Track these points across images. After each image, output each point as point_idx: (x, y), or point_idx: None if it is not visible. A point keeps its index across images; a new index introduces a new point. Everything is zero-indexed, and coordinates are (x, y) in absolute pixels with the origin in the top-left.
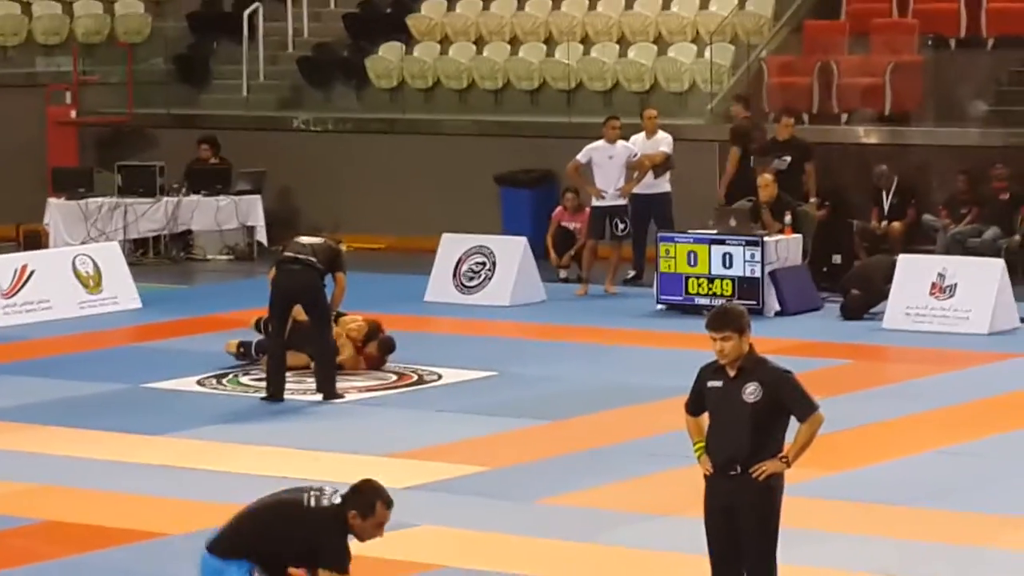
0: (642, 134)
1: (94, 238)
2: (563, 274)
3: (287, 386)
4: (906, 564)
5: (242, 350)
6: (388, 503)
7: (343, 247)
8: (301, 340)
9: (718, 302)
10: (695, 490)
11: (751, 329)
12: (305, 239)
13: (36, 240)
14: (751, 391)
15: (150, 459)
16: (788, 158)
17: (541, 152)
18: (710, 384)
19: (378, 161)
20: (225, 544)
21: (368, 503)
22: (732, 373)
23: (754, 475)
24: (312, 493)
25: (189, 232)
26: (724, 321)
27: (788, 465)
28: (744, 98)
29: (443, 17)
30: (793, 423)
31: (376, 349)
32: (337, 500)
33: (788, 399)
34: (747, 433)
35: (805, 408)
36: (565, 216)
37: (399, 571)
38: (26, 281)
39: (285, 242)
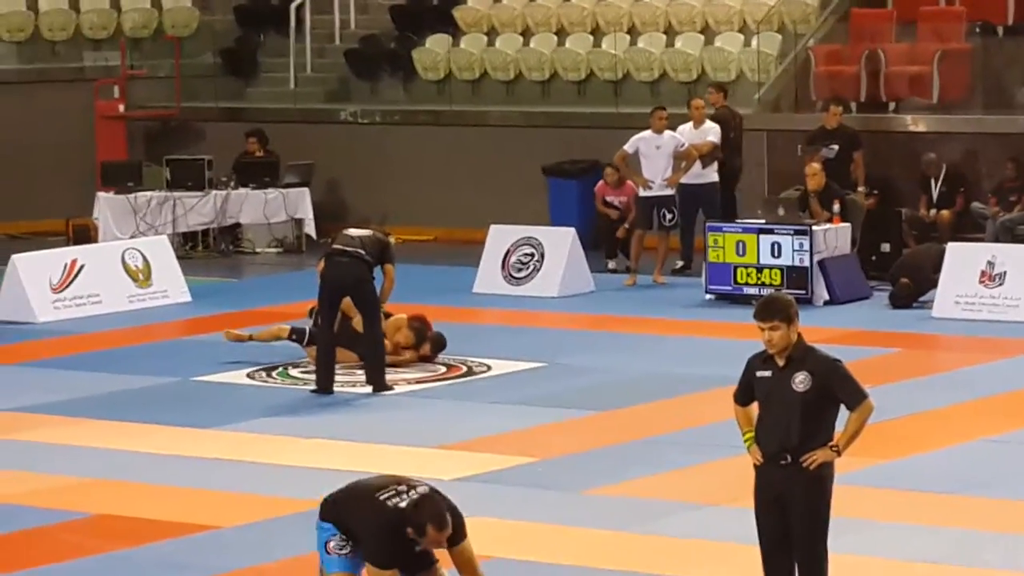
0: (689, 124)
1: (143, 232)
2: (612, 264)
3: (336, 378)
4: (957, 553)
5: (294, 337)
6: (440, 526)
7: (391, 239)
8: (350, 339)
9: (767, 291)
10: (744, 480)
11: (799, 318)
12: (354, 231)
13: (85, 234)
14: (801, 380)
15: (200, 452)
16: (836, 146)
17: (588, 143)
18: (759, 374)
19: (425, 153)
20: (323, 506)
21: (420, 524)
22: (781, 363)
23: (805, 464)
24: (395, 489)
25: (238, 225)
26: (772, 311)
27: (839, 454)
28: (721, 85)
29: (490, 9)
30: (843, 412)
31: (430, 349)
32: (404, 504)
33: (838, 388)
34: (797, 422)
35: (855, 397)
36: (607, 191)
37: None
38: (76, 275)
39: (334, 234)
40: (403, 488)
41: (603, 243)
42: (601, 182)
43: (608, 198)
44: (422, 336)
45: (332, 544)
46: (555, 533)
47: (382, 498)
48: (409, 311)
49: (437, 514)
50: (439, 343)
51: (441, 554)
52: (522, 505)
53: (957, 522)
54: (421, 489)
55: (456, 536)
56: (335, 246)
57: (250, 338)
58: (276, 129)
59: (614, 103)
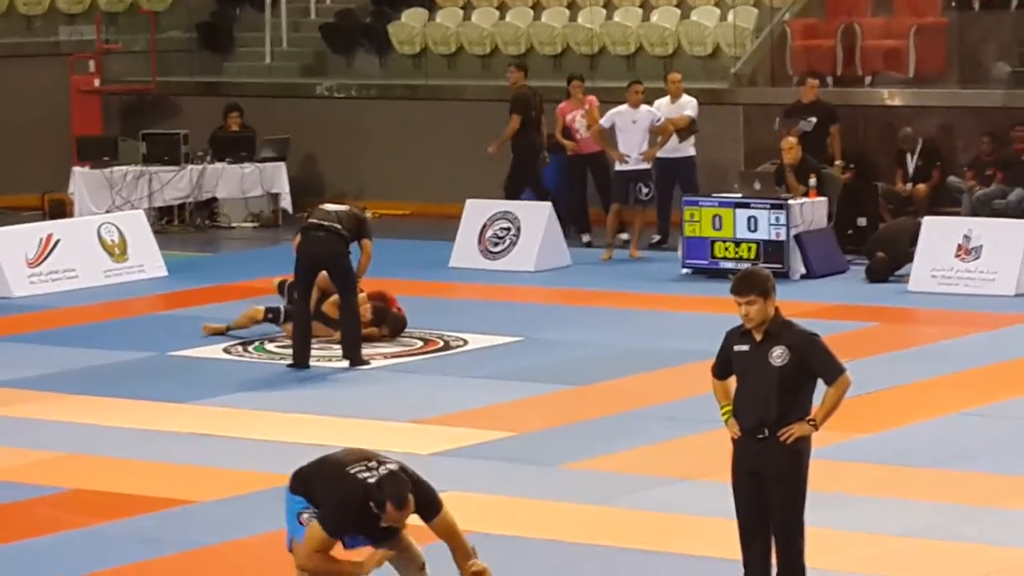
0: (666, 98)
1: (119, 206)
2: (586, 239)
3: (313, 353)
4: (933, 526)
5: (270, 316)
6: (399, 505)
7: (368, 214)
8: (326, 314)
9: (743, 266)
10: (722, 454)
11: (776, 292)
12: (330, 206)
13: (61, 209)
14: (778, 355)
15: (177, 427)
16: (814, 119)
17: None
18: (737, 348)
19: (402, 127)
20: (294, 477)
21: (381, 501)
22: (758, 337)
23: (782, 438)
24: (365, 464)
25: (214, 200)
26: (749, 285)
27: (816, 428)
28: (520, 64)
29: None
30: (820, 386)
31: (388, 331)
32: (372, 480)
33: (815, 362)
34: (774, 396)
35: (832, 371)
36: (569, 107)
37: (425, 536)
38: (52, 250)
39: (310, 209)
40: (373, 464)
41: (575, 218)
42: (565, 102)
43: (568, 116)
44: (383, 313)
45: (305, 516)
46: (532, 507)
47: (351, 471)
48: (385, 286)
49: (398, 494)
50: (398, 324)
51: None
52: (499, 479)
53: (934, 496)
54: (390, 466)
55: (430, 511)
56: (311, 220)
57: (228, 329)
58: (252, 103)
59: (591, 77)
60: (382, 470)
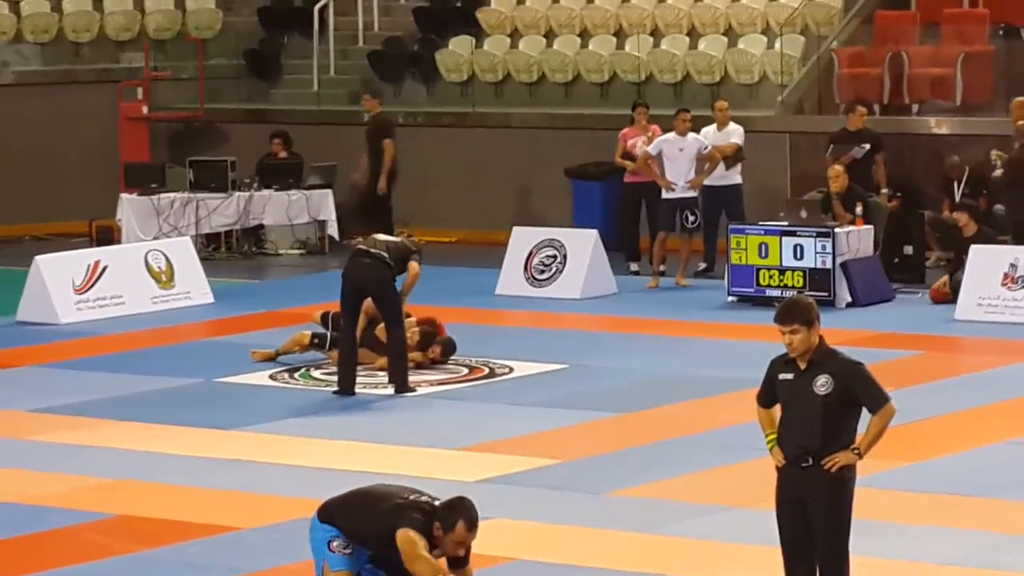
0: (713, 126)
1: (166, 233)
2: (634, 267)
3: (359, 380)
4: (979, 555)
5: (316, 341)
6: (470, 524)
7: (417, 248)
8: (373, 340)
9: (789, 294)
10: (767, 482)
11: (820, 321)
12: (382, 236)
13: (108, 236)
14: (822, 383)
15: (223, 453)
16: (867, 146)
17: (611, 145)
18: (781, 376)
19: (448, 154)
20: (325, 509)
21: (451, 520)
22: (803, 366)
23: (826, 467)
24: (417, 494)
25: (261, 227)
26: (792, 314)
27: (860, 457)
28: (375, 90)
29: (513, 10)
30: (865, 415)
31: (440, 352)
32: (435, 504)
33: (859, 391)
34: (819, 425)
35: (877, 400)
36: (631, 134)
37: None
38: (99, 277)
39: (363, 236)
40: (425, 497)
41: (625, 245)
42: (628, 128)
43: (630, 142)
44: (430, 338)
45: (336, 543)
46: (578, 535)
47: (409, 498)
48: (432, 313)
49: (470, 514)
50: (449, 347)
51: None
52: (545, 507)
53: (981, 525)
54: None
55: (465, 557)
56: (359, 247)
57: (276, 355)
58: (299, 130)
59: None
60: (439, 500)
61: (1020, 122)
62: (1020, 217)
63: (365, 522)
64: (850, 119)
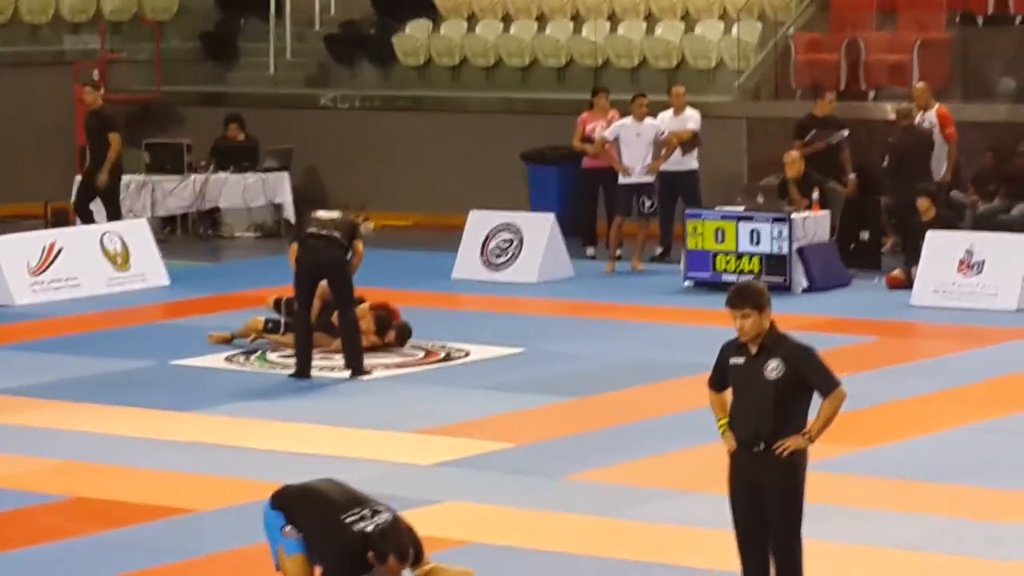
0: (670, 111)
1: (122, 216)
2: (591, 252)
3: (315, 363)
4: (933, 540)
5: (270, 326)
6: (402, 558)
7: (370, 224)
8: (327, 324)
9: (746, 279)
10: (720, 466)
11: (771, 306)
12: (323, 213)
13: (64, 218)
14: (773, 367)
15: (178, 436)
16: (846, 132)
17: (568, 129)
18: (732, 361)
19: (405, 138)
20: (277, 497)
21: (383, 551)
22: (754, 350)
23: (777, 452)
24: (359, 513)
25: (217, 209)
26: (743, 298)
27: (811, 441)
28: (96, 83)
29: None
30: (816, 400)
31: (394, 338)
32: (370, 529)
33: (810, 375)
34: (769, 409)
35: (827, 384)
36: (590, 119)
37: (426, 547)
38: (54, 259)
39: (304, 219)
40: (367, 512)
41: (582, 230)
42: (587, 112)
43: (589, 127)
44: (385, 323)
45: (289, 529)
46: (534, 519)
47: (347, 521)
48: (388, 296)
49: (401, 545)
50: (404, 332)
51: None
52: (501, 490)
53: (935, 509)
54: (385, 516)
55: (418, 560)
56: (309, 230)
57: (232, 337)
58: (256, 114)
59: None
60: (378, 519)
61: (903, 105)
62: (903, 201)
63: (306, 527)
64: (818, 104)
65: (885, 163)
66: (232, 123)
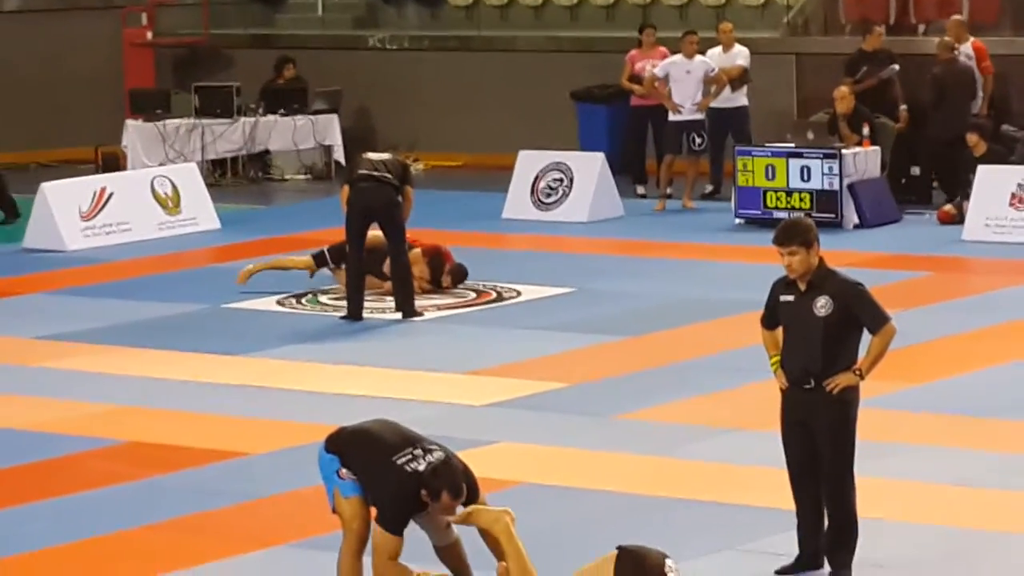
0: (718, 48)
1: (172, 159)
2: (641, 190)
3: (366, 305)
4: (987, 475)
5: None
6: (455, 494)
7: (419, 165)
8: (377, 268)
9: (796, 215)
10: (773, 404)
11: (819, 242)
12: (374, 155)
13: (114, 162)
14: (822, 304)
15: (230, 379)
16: (896, 67)
17: (617, 68)
18: (782, 298)
19: (454, 79)
20: (332, 440)
21: (436, 489)
22: (803, 287)
23: (828, 388)
24: (411, 453)
25: (267, 152)
26: (790, 235)
27: (862, 377)
28: None
29: None
30: (866, 337)
31: (451, 282)
32: (422, 468)
33: (859, 311)
34: (819, 347)
35: (877, 320)
36: (639, 57)
37: (497, 483)
38: (105, 203)
39: (355, 160)
40: (419, 452)
41: (631, 168)
42: (635, 50)
43: (638, 65)
44: (439, 268)
45: (345, 471)
46: (586, 458)
47: (399, 461)
48: (438, 237)
49: (454, 482)
50: (460, 273)
51: None
52: (552, 430)
53: (987, 445)
54: (438, 454)
55: (473, 496)
56: (360, 172)
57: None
58: (304, 55)
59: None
60: (431, 458)
61: (944, 38)
62: (947, 135)
63: (360, 469)
64: (867, 39)
65: (929, 97)
66: (286, 64)
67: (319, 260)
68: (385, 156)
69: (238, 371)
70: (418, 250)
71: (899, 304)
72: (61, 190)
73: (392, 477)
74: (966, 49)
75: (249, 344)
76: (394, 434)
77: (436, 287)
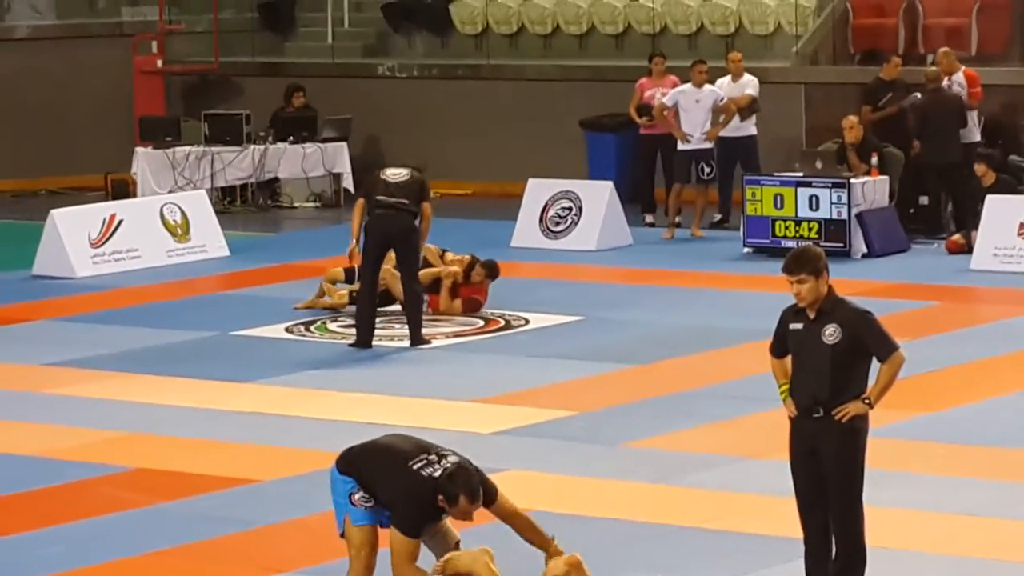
0: (727, 77)
1: (181, 187)
2: (650, 219)
3: (375, 332)
4: (994, 505)
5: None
6: (472, 498)
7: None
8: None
9: (806, 244)
10: (781, 433)
11: (828, 271)
12: (391, 176)
13: (124, 189)
14: (831, 333)
15: (239, 406)
16: (918, 94)
17: (626, 96)
18: (791, 326)
19: (463, 107)
20: (344, 460)
21: (454, 495)
22: (812, 315)
23: (836, 417)
24: (426, 458)
25: (276, 180)
26: (800, 263)
27: (871, 406)
28: None
29: None
30: (875, 365)
31: (484, 275)
32: (438, 473)
33: (868, 339)
34: (828, 375)
35: (885, 348)
36: (649, 84)
37: (486, 515)
38: (115, 230)
39: (372, 176)
40: (433, 458)
41: (640, 197)
42: (645, 78)
43: (648, 93)
44: (471, 265)
45: (358, 497)
46: (594, 486)
47: (415, 467)
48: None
49: (470, 486)
50: (492, 268)
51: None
52: (561, 458)
53: (995, 474)
54: (452, 459)
55: (490, 497)
56: (378, 197)
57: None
58: (314, 84)
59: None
60: (445, 463)
61: (930, 68)
62: (931, 163)
63: (375, 479)
64: (885, 68)
65: (912, 125)
66: (296, 92)
67: (349, 275)
68: (402, 173)
69: (247, 398)
70: (450, 254)
71: (907, 333)
72: (70, 217)
73: (408, 481)
74: (958, 78)
75: (258, 371)
76: (407, 443)
77: (466, 281)
